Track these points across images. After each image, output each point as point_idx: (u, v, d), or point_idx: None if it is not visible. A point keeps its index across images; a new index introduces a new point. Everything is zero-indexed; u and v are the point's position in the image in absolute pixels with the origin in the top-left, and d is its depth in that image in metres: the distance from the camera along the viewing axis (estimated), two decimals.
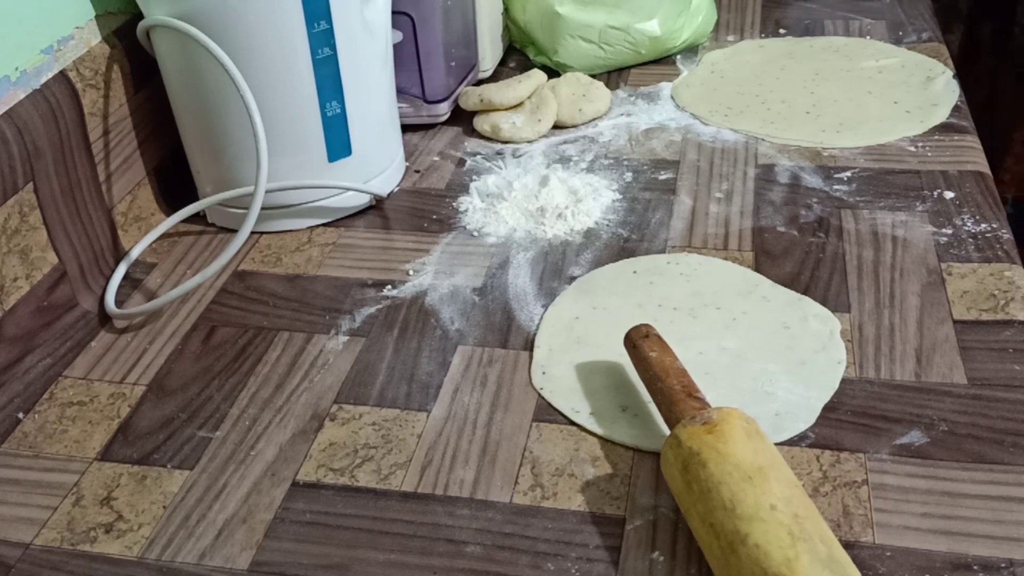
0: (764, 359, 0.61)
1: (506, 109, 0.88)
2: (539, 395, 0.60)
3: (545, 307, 0.67)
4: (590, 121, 0.89)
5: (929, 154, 0.80)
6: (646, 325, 0.59)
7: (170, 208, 0.79)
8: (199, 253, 0.76)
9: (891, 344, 0.62)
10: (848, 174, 0.79)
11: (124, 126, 0.74)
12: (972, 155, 0.80)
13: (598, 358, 0.63)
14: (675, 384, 0.54)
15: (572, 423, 0.58)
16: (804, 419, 0.57)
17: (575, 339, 0.64)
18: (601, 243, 0.73)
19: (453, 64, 0.89)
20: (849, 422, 0.57)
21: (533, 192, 0.78)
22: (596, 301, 0.67)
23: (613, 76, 0.96)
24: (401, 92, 0.84)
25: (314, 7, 0.69)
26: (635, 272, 0.70)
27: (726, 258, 0.71)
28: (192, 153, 0.78)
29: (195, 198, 0.79)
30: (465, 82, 0.92)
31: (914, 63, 0.94)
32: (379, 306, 0.69)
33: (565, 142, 0.86)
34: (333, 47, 0.72)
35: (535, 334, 0.65)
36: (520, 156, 0.85)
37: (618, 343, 0.63)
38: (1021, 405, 0.57)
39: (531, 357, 0.63)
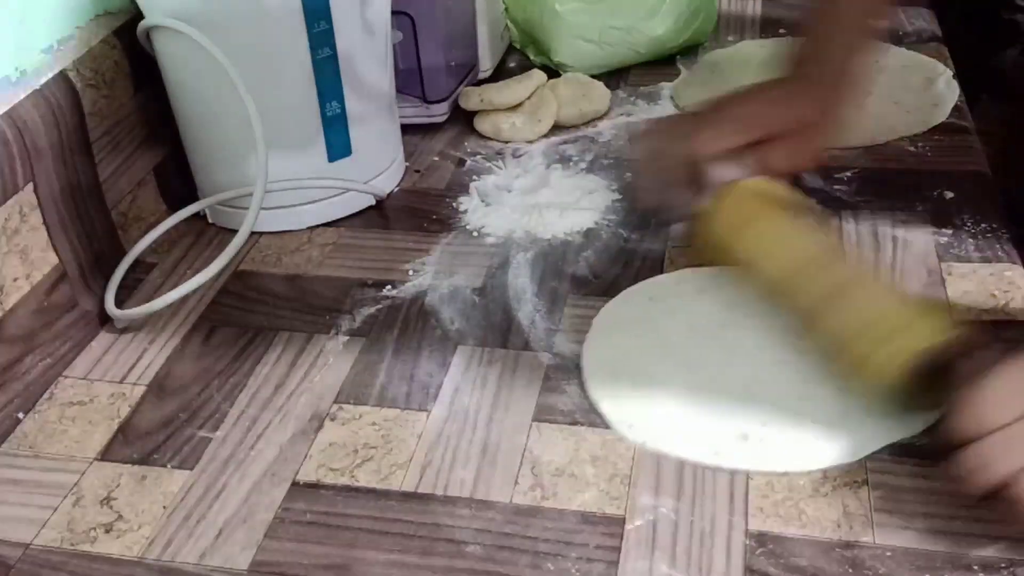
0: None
1: (506, 109, 0.88)
2: (637, 448, 0.56)
3: (545, 307, 0.67)
4: (590, 121, 0.89)
5: (929, 154, 0.80)
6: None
7: (170, 208, 0.79)
8: (199, 253, 0.76)
9: None
10: (848, 174, 0.79)
11: (124, 126, 0.74)
12: (972, 155, 0.80)
13: (669, 390, 0.59)
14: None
15: (574, 422, 0.58)
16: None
17: (633, 383, 0.60)
18: (601, 243, 0.73)
19: (453, 64, 0.89)
20: None
21: (533, 192, 0.78)
22: (633, 338, 0.63)
23: (613, 76, 0.96)
24: (401, 92, 0.84)
25: (314, 7, 0.69)
26: (650, 299, 0.67)
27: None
28: (192, 153, 0.78)
29: (195, 198, 0.79)
30: (465, 82, 0.92)
31: (914, 63, 0.93)
32: (379, 306, 0.69)
33: (565, 142, 0.86)
34: (333, 47, 0.72)
35: (590, 389, 0.60)
36: (520, 156, 0.85)
37: (682, 372, 0.60)
38: None
39: (605, 415, 0.58)
